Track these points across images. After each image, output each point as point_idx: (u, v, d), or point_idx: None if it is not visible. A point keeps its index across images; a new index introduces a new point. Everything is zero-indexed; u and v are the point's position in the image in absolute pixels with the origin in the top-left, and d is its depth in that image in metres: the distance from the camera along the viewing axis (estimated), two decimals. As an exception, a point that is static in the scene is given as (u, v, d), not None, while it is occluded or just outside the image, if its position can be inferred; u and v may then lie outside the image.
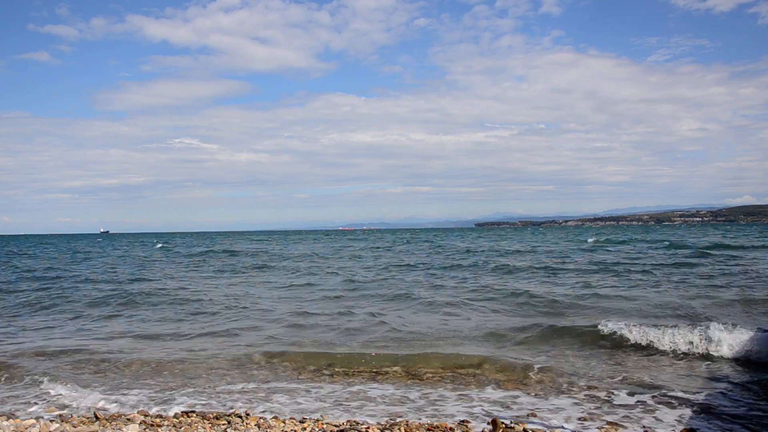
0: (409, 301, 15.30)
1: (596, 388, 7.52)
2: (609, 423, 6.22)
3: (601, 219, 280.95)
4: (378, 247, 49.35)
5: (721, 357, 8.67)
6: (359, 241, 70.14)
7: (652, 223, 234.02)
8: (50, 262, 35.40)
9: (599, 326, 10.18)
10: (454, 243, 54.94)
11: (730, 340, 8.74)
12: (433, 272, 23.85)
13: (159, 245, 63.29)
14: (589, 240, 52.99)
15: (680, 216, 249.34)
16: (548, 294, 15.16)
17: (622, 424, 6.18)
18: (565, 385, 7.64)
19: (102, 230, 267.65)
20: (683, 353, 9.00)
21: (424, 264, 28.10)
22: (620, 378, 7.88)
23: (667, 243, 41.81)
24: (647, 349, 9.30)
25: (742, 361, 8.44)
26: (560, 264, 25.66)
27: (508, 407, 6.90)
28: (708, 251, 30.97)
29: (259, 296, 17.08)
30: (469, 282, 19.58)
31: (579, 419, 6.39)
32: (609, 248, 38.54)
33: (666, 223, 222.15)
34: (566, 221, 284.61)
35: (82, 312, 14.80)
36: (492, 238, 71.65)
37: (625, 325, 9.94)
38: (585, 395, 7.24)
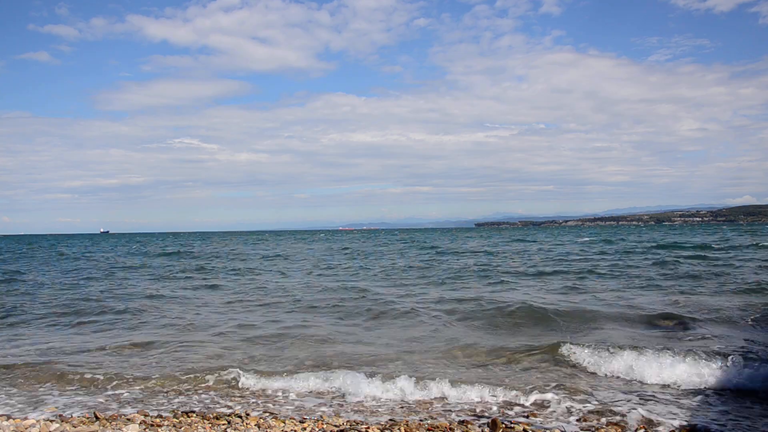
0: (354, 308, 14.12)
1: (590, 396, 7.53)
2: (609, 423, 6.24)
3: (601, 219, 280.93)
4: (346, 249, 47.76)
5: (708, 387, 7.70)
6: (343, 242, 69.51)
7: (652, 223, 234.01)
8: (13, 265, 34.58)
9: (562, 348, 9.20)
10: (445, 243, 54.78)
11: (716, 374, 7.79)
12: (403, 276, 22.53)
13: (134, 246, 63.38)
14: (579, 240, 52.73)
15: (680, 216, 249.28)
16: (528, 301, 13.90)
17: (621, 424, 6.20)
18: (555, 393, 7.64)
19: (102, 230, 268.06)
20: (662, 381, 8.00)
21: (395, 267, 27.22)
22: (613, 386, 7.89)
23: (655, 244, 41.42)
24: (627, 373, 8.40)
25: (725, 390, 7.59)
26: (547, 266, 24.87)
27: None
28: (699, 252, 30.61)
29: (169, 299, 16.72)
30: (440, 286, 18.77)
31: (578, 420, 6.41)
32: (599, 249, 37.72)
33: (666, 224, 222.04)
34: (566, 221, 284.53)
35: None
36: (486, 238, 71.28)
37: (604, 350, 8.86)
38: (581, 405, 7.26)
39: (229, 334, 11.55)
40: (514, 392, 7.37)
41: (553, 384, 7.73)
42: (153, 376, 8.54)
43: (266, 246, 58.92)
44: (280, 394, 7.78)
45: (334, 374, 8.12)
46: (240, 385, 8.12)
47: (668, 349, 8.68)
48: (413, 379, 7.76)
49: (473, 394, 7.36)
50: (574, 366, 8.75)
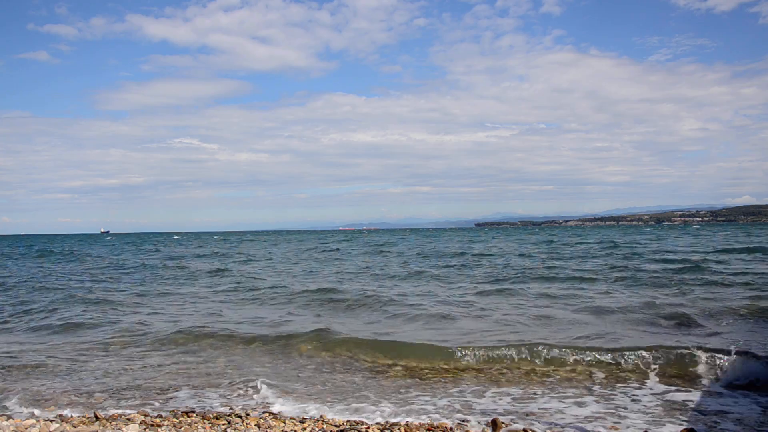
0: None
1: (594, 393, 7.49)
2: (612, 426, 6.23)
3: (602, 219, 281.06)
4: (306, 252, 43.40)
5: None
6: (323, 242, 67.89)
7: (653, 223, 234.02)
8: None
9: None
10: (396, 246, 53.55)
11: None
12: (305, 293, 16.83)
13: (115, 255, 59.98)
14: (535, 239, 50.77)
15: (680, 216, 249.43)
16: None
17: (622, 425, 6.19)
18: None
19: (102, 230, 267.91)
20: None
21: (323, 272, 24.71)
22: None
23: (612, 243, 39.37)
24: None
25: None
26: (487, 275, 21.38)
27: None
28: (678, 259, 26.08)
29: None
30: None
31: (584, 417, 6.39)
32: (559, 251, 34.92)
33: (666, 224, 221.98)
34: (566, 221, 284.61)
35: None
36: (472, 238, 69.93)
37: None
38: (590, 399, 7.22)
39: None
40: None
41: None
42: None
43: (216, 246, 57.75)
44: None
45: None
46: None
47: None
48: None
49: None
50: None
